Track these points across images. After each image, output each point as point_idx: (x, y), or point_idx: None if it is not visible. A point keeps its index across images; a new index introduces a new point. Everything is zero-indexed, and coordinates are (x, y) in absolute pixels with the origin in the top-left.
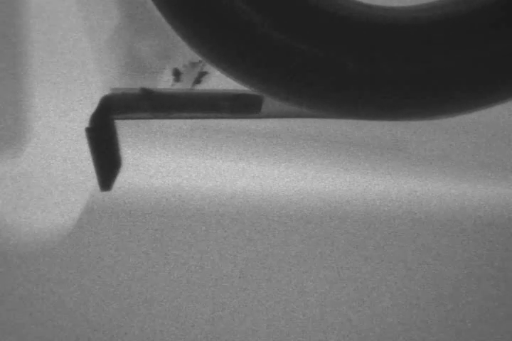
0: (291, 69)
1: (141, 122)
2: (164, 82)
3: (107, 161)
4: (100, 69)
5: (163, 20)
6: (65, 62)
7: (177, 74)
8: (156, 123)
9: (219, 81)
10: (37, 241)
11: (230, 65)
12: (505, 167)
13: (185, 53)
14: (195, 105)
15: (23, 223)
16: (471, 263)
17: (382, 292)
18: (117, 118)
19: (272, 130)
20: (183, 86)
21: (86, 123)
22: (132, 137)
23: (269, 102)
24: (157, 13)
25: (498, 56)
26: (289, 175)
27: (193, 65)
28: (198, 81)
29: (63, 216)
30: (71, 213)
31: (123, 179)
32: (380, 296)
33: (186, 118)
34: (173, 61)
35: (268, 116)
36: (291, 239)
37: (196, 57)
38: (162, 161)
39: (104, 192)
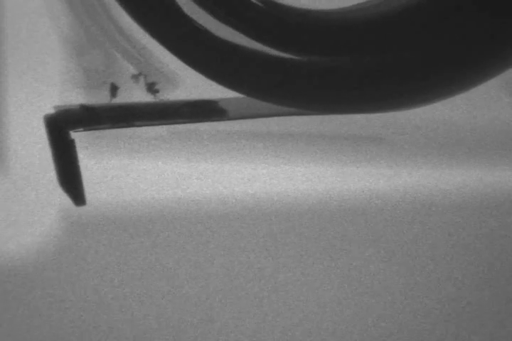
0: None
1: (116, 131)
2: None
3: (76, 176)
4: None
5: (102, 35)
6: (30, 75)
7: (114, 89)
8: (130, 131)
9: (181, 88)
10: (14, 258)
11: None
12: (493, 154)
13: (125, 67)
14: (155, 115)
15: None
16: (464, 252)
17: (376, 284)
18: (85, 130)
19: (256, 130)
20: (131, 99)
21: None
22: (109, 146)
23: (234, 104)
24: (99, 27)
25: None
26: (276, 174)
27: (135, 77)
28: (154, 91)
29: (40, 233)
30: (47, 230)
31: (102, 191)
32: (375, 289)
33: (149, 125)
34: (113, 76)
35: (233, 117)
36: (276, 239)
37: (134, 69)
38: (140, 169)
39: (80, 207)
